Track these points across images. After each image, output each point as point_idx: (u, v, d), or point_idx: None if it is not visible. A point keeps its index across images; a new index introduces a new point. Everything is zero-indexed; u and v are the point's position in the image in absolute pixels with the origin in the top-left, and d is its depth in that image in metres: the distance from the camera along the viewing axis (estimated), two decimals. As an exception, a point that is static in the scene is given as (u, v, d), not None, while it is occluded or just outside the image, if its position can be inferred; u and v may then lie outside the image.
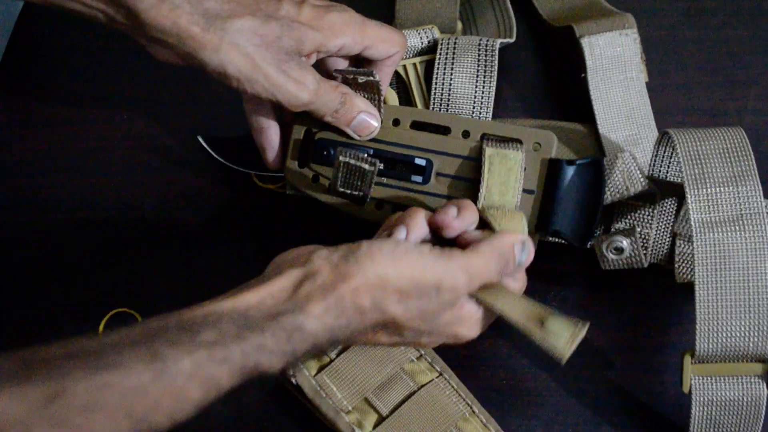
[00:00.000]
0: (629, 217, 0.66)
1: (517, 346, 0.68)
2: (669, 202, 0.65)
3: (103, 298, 0.70)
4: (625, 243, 0.64)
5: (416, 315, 0.53)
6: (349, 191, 0.64)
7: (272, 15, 0.59)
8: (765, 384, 0.60)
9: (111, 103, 0.77)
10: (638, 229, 0.65)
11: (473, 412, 0.64)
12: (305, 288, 0.50)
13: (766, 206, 0.59)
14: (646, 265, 0.65)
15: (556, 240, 0.66)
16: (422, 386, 0.64)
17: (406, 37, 0.66)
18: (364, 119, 0.64)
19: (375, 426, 0.64)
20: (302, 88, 0.60)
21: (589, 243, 0.64)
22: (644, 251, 0.65)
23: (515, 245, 0.56)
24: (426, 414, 0.64)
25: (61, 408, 0.42)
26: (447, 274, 0.53)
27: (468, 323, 0.56)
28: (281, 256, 0.55)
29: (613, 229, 0.66)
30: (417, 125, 0.66)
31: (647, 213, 0.65)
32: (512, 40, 0.73)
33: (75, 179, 0.75)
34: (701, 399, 0.60)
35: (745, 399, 0.60)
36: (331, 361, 0.64)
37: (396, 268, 0.52)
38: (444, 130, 0.65)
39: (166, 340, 0.45)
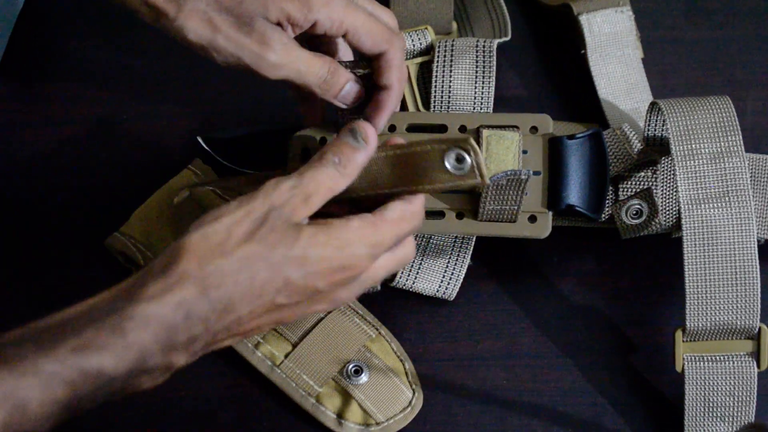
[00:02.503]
0: (635, 187, 0.67)
1: (517, 346, 0.68)
2: (669, 165, 0.66)
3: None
4: (642, 205, 0.65)
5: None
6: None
7: None
8: (755, 362, 0.61)
9: (111, 103, 0.77)
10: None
11: (380, 333, 0.66)
12: (140, 278, 0.47)
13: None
14: (663, 226, 0.66)
15: (568, 222, 0.67)
16: (328, 313, 0.66)
17: (400, 36, 0.62)
18: (352, 86, 0.62)
19: (287, 355, 0.65)
20: (267, 48, 0.57)
21: (603, 215, 0.65)
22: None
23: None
24: (335, 338, 0.65)
25: None
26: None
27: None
28: None
29: (622, 198, 0.67)
30: (413, 128, 0.66)
31: (651, 180, 0.66)
32: (508, 38, 0.73)
33: (75, 179, 0.75)
34: (694, 378, 0.61)
35: (736, 377, 0.61)
36: None
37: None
38: (441, 129, 0.65)
39: None
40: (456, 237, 0.68)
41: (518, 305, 0.68)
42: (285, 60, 0.58)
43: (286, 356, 0.65)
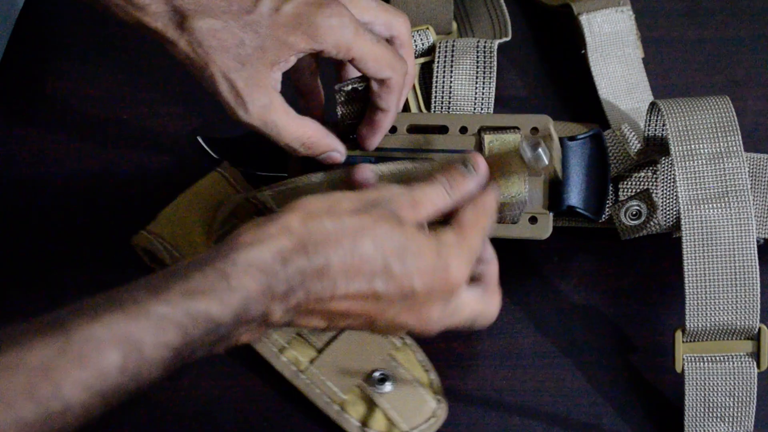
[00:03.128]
0: (635, 187, 0.67)
1: (517, 346, 0.68)
2: (669, 166, 0.67)
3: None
4: (642, 207, 0.65)
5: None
6: (353, 121, 0.64)
7: (243, 15, 0.57)
8: (755, 362, 0.61)
9: (111, 103, 0.77)
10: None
11: (405, 342, 0.66)
12: (239, 229, 0.48)
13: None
14: (663, 227, 0.66)
15: (568, 222, 0.67)
16: None
17: (405, 64, 0.61)
18: (331, 156, 0.62)
19: (312, 361, 0.65)
20: (241, 107, 0.58)
21: (604, 216, 0.65)
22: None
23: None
24: (361, 345, 0.65)
25: None
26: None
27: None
28: None
29: (622, 199, 0.67)
30: (414, 129, 0.66)
31: (651, 180, 0.66)
32: (508, 39, 0.73)
33: (75, 179, 0.75)
34: (694, 379, 0.61)
35: (736, 378, 0.61)
36: None
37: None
38: (441, 130, 0.65)
39: (72, 312, 0.42)
40: None
41: (518, 305, 0.68)
42: (256, 122, 0.59)
43: (311, 362, 0.65)
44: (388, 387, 0.64)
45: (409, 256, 0.50)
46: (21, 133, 0.77)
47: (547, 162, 0.57)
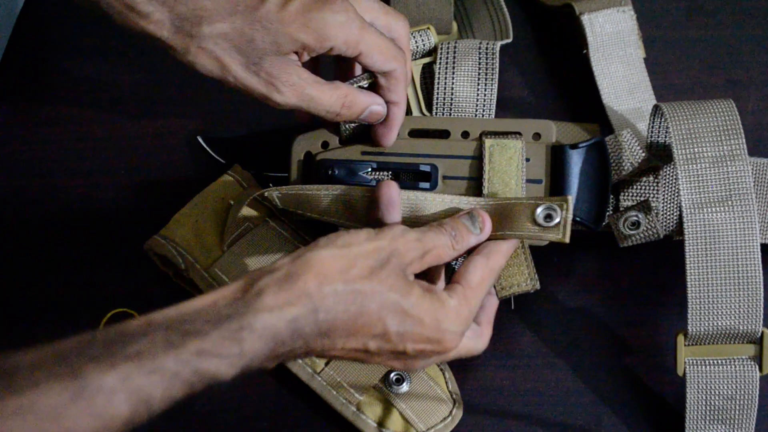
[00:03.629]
0: (636, 192, 0.67)
1: (517, 347, 0.68)
2: (671, 171, 0.66)
3: (103, 298, 0.70)
4: (640, 216, 0.65)
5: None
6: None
7: (250, 14, 0.57)
8: (757, 366, 0.61)
9: (111, 103, 0.77)
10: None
11: None
12: (260, 284, 0.49)
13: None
14: (662, 236, 0.66)
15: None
16: None
17: (405, 55, 0.62)
18: (374, 111, 0.62)
19: (327, 363, 0.65)
20: (273, 90, 0.59)
21: (602, 224, 0.65)
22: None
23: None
24: None
25: None
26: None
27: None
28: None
29: (622, 207, 0.67)
30: (416, 133, 0.65)
31: (652, 185, 0.66)
32: (510, 40, 0.73)
33: (75, 179, 0.75)
34: (695, 382, 0.61)
35: (738, 381, 0.61)
36: None
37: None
38: (443, 134, 0.65)
39: (87, 356, 0.43)
40: None
41: (518, 305, 0.68)
42: (293, 100, 0.59)
43: (326, 364, 0.65)
44: (404, 387, 0.64)
45: (408, 324, 0.52)
46: (21, 133, 0.77)
47: (560, 234, 0.57)
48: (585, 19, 0.73)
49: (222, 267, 0.66)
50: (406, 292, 0.52)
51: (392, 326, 0.51)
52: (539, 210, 0.57)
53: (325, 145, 0.66)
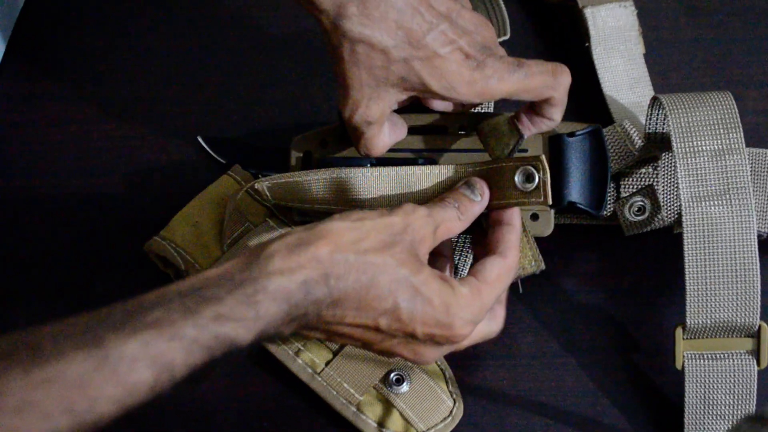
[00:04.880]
0: (636, 182, 0.67)
1: (517, 346, 0.68)
2: (670, 162, 0.67)
3: (102, 298, 0.69)
4: (645, 202, 0.65)
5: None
6: None
7: (409, 43, 0.57)
8: (755, 360, 0.61)
9: (111, 103, 0.77)
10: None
11: None
12: (271, 248, 0.50)
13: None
14: (667, 222, 0.67)
15: (569, 220, 0.68)
16: None
17: (566, 75, 0.61)
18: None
19: (327, 363, 0.65)
20: (351, 107, 0.59)
21: (605, 211, 0.65)
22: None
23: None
24: None
25: None
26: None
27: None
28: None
29: (623, 197, 0.67)
30: (413, 129, 0.66)
31: (651, 176, 0.67)
32: (507, 37, 0.73)
33: (75, 179, 0.75)
34: (693, 376, 0.61)
35: (736, 375, 0.61)
36: None
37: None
38: (441, 129, 0.65)
39: (109, 326, 0.44)
40: (459, 236, 0.68)
41: (518, 305, 0.68)
42: (352, 126, 0.60)
43: (326, 364, 0.65)
44: (404, 387, 0.64)
45: (419, 303, 0.52)
46: (21, 133, 0.77)
47: (541, 197, 0.58)
48: (588, 12, 0.73)
49: None
50: (416, 269, 0.52)
51: (402, 302, 0.52)
52: (518, 175, 0.58)
53: (323, 144, 0.67)
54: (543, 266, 0.62)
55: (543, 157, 0.58)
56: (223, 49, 0.79)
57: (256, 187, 0.65)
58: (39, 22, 0.81)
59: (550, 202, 0.58)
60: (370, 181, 0.62)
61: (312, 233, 0.51)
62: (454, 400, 0.65)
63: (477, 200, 0.58)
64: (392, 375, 0.65)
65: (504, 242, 0.58)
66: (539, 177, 0.58)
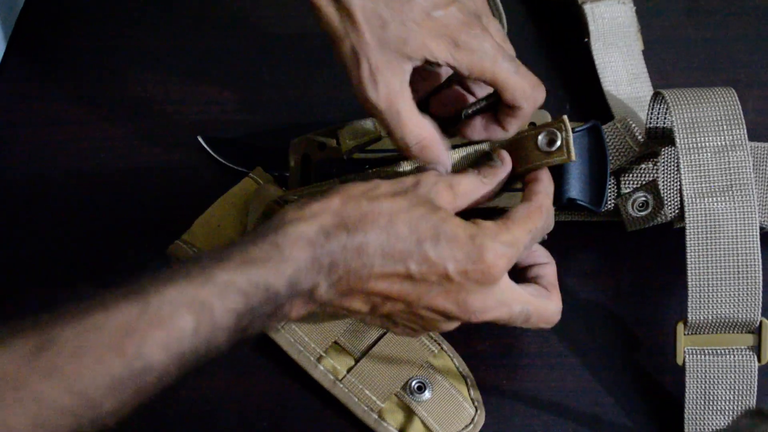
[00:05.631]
0: (636, 179, 0.67)
1: (517, 346, 0.68)
2: (670, 157, 0.67)
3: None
4: (648, 197, 0.66)
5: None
6: None
7: (397, 2, 0.56)
8: (756, 356, 0.61)
9: (111, 103, 0.77)
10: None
11: (442, 348, 0.66)
12: (285, 207, 0.52)
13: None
14: (668, 217, 0.67)
15: (570, 216, 0.68)
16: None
17: (541, 92, 0.59)
18: (437, 168, 0.60)
19: (349, 370, 0.65)
20: (371, 84, 0.56)
21: (604, 207, 0.65)
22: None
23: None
24: (398, 353, 0.65)
25: (50, 357, 0.42)
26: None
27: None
28: None
29: (624, 193, 0.67)
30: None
31: (652, 171, 0.67)
32: (504, 32, 0.74)
33: (75, 179, 0.75)
34: (694, 371, 0.61)
35: (736, 371, 0.61)
36: None
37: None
38: None
39: (149, 277, 0.46)
40: None
41: (518, 305, 0.68)
42: (382, 103, 0.57)
43: (348, 371, 0.65)
44: (426, 395, 0.64)
45: (443, 240, 0.52)
46: (21, 133, 0.77)
47: (564, 155, 0.58)
48: (587, 8, 0.74)
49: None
50: (432, 209, 0.52)
51: (426, 244, 0.51)
52: (541, 137, 0.58)
53: (322, 147, 0.67)
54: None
55: (565, 118, 0.58)
56: (223, 49, 0.79)
57: (286, 198, 0.64)
58: (39, 22, 0.81)
59: (573, 158, 0.58)
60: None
61: (322, 194, 0.52)
62: (476, 407, 0.65)
63: (498, 165, 0.58)
64: (414, 382, 0.64)
65: (530, 191, 0.57)
66: (562, 137, 0.58)
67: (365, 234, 0.50)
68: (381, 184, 0.53)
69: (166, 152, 0.75)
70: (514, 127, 0.60)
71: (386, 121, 0.57)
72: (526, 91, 0.58)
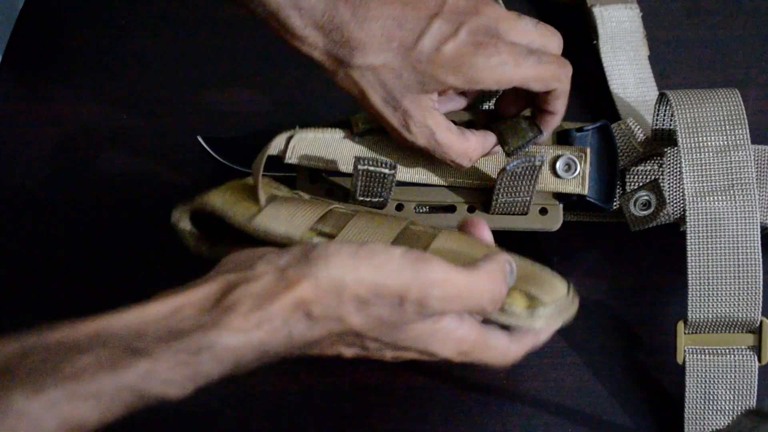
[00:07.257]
0: (642, 179, 0.67)
1: (517, 346, 0.68)
2: (675, 158, 0.67)
3: (102, 298, 0.70)
4: (651, 196, 0.66)
5: (377, 325, 0.47)
6: (369, 198, 0.63)
7: (403, 52, 0.57)
8: (756, 356, 0.61)
9: (111, 103, 0.78)
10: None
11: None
12: (233, 297, 0.45)
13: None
14: (673, 218, 0.67)
15: (576, 217, 0.68)
16: None
17: (568, 67, 0.61)
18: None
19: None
20: (405, 127, 0.60)
21: (615, 205, 0.66)
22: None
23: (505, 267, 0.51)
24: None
25: None
26: (416, 284, 0.47)
27: (443, 341, 0.50)
28: (231, 257, 0.50)
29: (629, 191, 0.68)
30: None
31: (657, 172, 0.67)
32: None
33: (75, 179, 0.75)
34: (694, 370, 0.62)
35: (736, 371, 0.61)
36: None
37: (355, 272, 0.46)
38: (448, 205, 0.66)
39: (18, 376, 0.41)
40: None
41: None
42: (421, 141, 0.60)
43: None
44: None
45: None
46: (21, 134, 0.77)
47: (579, 187, 0.61)
48: (596, 11, 0.75)
49: (262, 221, 0.58)
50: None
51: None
52: (559, 161, 0.59)
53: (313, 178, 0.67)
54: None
55: (588, 150, 0.60)
56: (223, 49, 0.79)
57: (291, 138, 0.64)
58: (39, 22, 0.81)
59: (587, 192, 0.59)
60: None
61: (296, 272, 0.46)
62: (568, 281, 0.57)
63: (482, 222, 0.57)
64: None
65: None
66: (581, 167, 0.60)
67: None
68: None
69: (166, 152, 0.75)
70: (562, 105, 0.62)
71: (431, 153, 0.61)
72: (555, 73, 0.60)
